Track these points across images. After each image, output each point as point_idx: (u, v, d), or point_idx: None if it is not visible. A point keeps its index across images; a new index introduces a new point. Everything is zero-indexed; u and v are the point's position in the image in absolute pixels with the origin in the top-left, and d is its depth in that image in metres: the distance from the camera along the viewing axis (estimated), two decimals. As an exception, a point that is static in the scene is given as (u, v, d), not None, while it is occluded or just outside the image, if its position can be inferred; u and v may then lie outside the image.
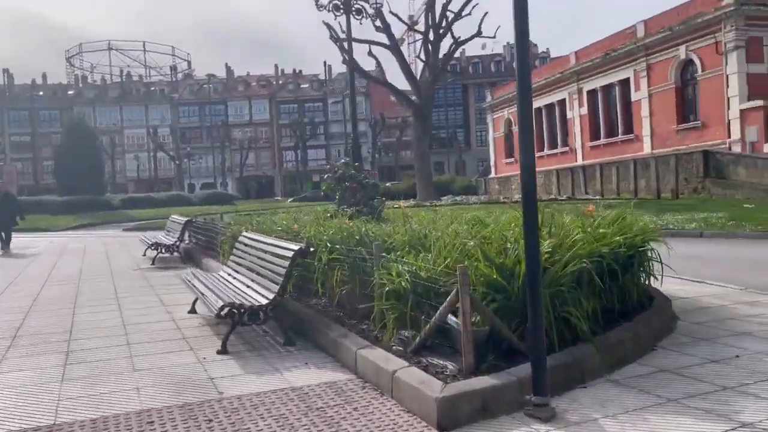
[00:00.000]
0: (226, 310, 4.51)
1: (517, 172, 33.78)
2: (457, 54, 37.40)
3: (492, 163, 40.99)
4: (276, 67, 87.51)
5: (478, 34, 27.03)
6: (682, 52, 24.19)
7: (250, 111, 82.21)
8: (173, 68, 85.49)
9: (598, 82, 29.56)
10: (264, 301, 4.67)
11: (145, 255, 12.32)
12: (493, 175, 39.87)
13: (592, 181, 27.15)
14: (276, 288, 4.66)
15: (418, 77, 29.94)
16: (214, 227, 10.28)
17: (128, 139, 77.14)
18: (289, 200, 53.72)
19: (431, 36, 27.77)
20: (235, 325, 4.63)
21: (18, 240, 18.16)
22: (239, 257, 6.19)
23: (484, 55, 77.68)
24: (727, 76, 22.31)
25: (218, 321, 4.91)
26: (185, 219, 11.21)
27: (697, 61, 23.72)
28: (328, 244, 5.22)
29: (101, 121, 72.55)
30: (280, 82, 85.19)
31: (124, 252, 13.42)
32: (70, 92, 78.83)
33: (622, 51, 27.16)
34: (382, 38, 27.43)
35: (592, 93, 30.14)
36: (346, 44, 22.53)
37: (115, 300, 7.16)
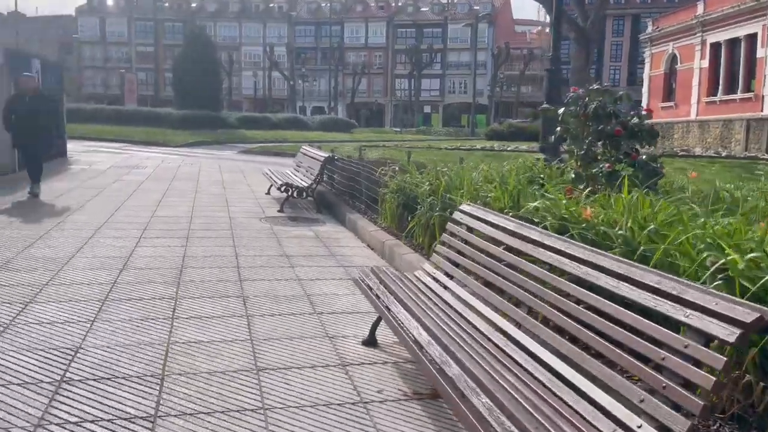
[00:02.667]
0: None
1: (679, 119, 28.45)
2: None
3: (645, 105, 35.22)
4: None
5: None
6: None
7: (366, 34, 78.77)
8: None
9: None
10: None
11: (269, 194, 9.85)
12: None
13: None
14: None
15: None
16: (369, 174, 7.40)
17: (245, 56, 76.91)
18: (398, 130, 50.55)
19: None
20: None
21: (131, 154, 16.74)
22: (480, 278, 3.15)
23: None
24: None
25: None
26: (324, 155, 8.42)
27: None
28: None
29: (220, 37, 72.13)
30: (399, 4, 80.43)
31: (244, 186, 11.03)
32: (193, 5, 78.98)
33: None
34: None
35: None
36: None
37: (240, 290, 4.49)
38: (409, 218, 5.76)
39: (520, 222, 3.09)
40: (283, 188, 8.21)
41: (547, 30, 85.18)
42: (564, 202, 3.84)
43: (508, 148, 22.23)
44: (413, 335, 2.69)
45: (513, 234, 2.91)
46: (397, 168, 6.80)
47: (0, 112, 9.03)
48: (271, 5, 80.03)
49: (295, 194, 8.27)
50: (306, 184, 8.31)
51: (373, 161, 8.75)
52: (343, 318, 3.90)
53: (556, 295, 2.33)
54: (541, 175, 5.48)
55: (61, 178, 10.78)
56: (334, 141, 28.79)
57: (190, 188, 10.14)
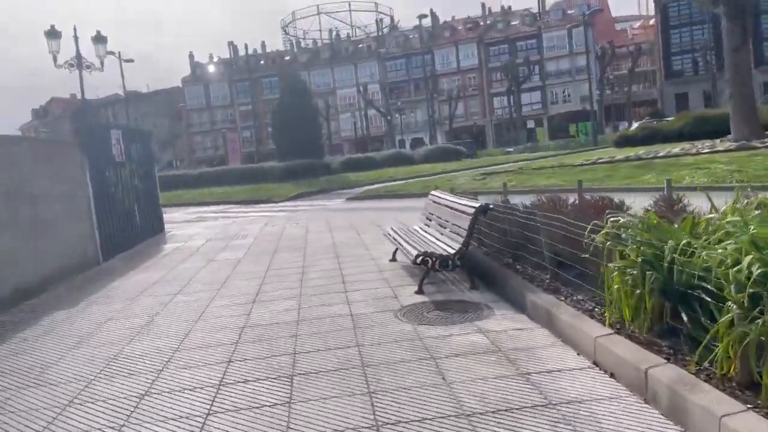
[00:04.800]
0: None
1: None
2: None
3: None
4: (483, 5, 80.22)
5: None
6: None
7: (457, 57, 76.81)
8: (379, 21, 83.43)
9: None
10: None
11: (395, 259, 7.43)
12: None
13: None
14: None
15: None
16: (552, 225, 4.68)
17: (340, 99, 77.73)
18: (510, 150, 47.10)
19: None
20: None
21: (232, 218, 15.05)
22: None
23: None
24: None
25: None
26: (473, 205, 5.80)
27: None
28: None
29: (315, 84, 73.16)
30: (488, 22, 77.79)
31: (360, 249, 8.70)
32: (286, 58, 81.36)
33: None
34: None
35: None
36: None
37: None
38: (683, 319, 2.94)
39: None
40: (420, 260, 5.69)
41: (651, 22, 78.57)
42: None
43: (660, 154, 18.49)
44: None
45: None
46: (621, 217, 4.01)
47: None
48: (360, 46, 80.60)
49: (437, 264, 5.72)
50: (452, 250, 5.74)
51: (548, 202, 6.05)
52: None
53: None
54: None
55: (148, 266, 9.04)
56: (444, 172, 26.29)
57: (295, 265, 7.93)
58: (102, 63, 20.02)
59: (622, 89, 67.16)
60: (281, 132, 31.40)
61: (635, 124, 39.96)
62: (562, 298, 4.57)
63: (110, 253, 9.80)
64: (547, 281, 5.08)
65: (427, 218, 7.50)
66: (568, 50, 73.77)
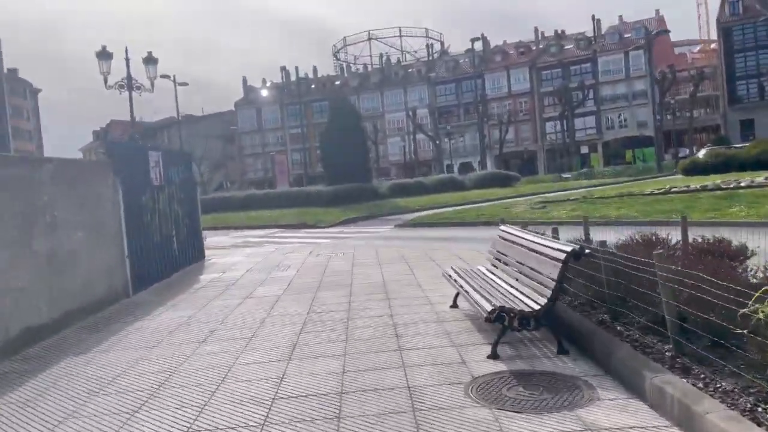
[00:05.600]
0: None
1: None
2: None
3: None
4: (536, 30, 79.04)
5: None
6: None
7: (508, 82, 75.55)
8: (429, 46, 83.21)
9: None
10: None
11: (455, 305, 6.31)
12: None
13: None
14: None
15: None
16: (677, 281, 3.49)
17: (388, 123, 77.53)
18: (568, 176, 45.20)
19: None
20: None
21: (276, 245, 14.21)
22: None
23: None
24: None
25: None
26: (563, 248, 4.62)
27: None
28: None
29: (363, 108, 73.18)
30: (541, 46, 76.31)
31: (414, 290, 7.62)
32: (336, 83, 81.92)
33: None
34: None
35: None
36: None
37: None
38: None
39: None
40: (495, 315, 4.55)
41: (713, 46, 75.33)
42: None
43: (742, 183, 16.73)
44: None
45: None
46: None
47: None
48: (410, 70, 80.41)
49: (517, 323, 4.56)
50: (536, 306, 4.57)
51: (643, 242, 4.84)
52: None
53: None
54: None
55: (179, 301, 8.19)
56: (497, 199, 24.99)
57: (340, 308, 6.91)
58: (152, 84, 19.89)
59: (683, 115, 64.26)
60: (329, 154, 30.79)
61: (702, 151, 37.58)
62: (701, 386, 3.34)
63: (143, 283, 9.03)
64: (669, 354, 3.85)
65: (496, 258, 6.36)
66: (624, 74, 71.56)
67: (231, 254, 13.49)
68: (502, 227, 6.43)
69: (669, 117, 62.77)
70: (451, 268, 6.51)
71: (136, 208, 9.06)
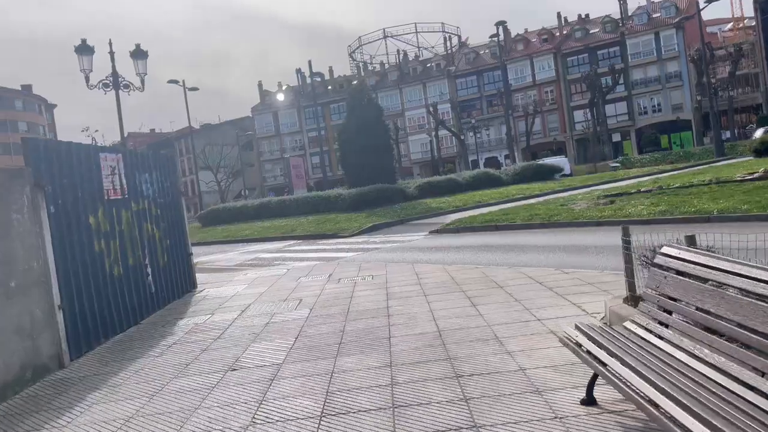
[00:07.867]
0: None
1: None
2: None
3: None
4: (558, 15, 75.37)
5: None
6: None
7: (532, 71, 72.11)
8: (447, 39, 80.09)
9: None
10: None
11: (590, 399, 3.36)
12: None
13: None
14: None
15: None
16: None
17: (409, 121, 74.84)
18: (617, 165, 41.65)
19: None
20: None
21: (288, 264, 10.69)
22: None
23: None
24: None
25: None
26: None
27: None
28: None
29: (383, 107, 70.50)
30: (565, 32, 72.62)
31: (491, 344, 4.73)
32: (353, 82, 79.34)
33: None
34: None
35: None
36: None
37: None
38: None
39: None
40: None
41: (745, 22, 70.77)
42: None
43: None
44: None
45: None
46: None
47: None
48: (429, 65, 77.42)
49: None
50: None
51: None
52: None
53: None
54: None
55: (128, 375, 5.44)
56: (543, 194, 21.92)
57: (376, 401, 4.06)
58: (142, 82, 17.29)
59: (723, 95, 60.15)
60: (349, 154, 27.92)
61: (759, 131, 33.87)
62: None
63: (90, 341, 6.32)
64: None
65: (660, 307, 3.43)
66: (656, 56, 67.61)
67: (231, 281, 10.72)
68: (668, 251, 3.49)
69: (705, 99, 58.78)
70: (577, 326, 3.60)
71: (76, 235, 6.34)
